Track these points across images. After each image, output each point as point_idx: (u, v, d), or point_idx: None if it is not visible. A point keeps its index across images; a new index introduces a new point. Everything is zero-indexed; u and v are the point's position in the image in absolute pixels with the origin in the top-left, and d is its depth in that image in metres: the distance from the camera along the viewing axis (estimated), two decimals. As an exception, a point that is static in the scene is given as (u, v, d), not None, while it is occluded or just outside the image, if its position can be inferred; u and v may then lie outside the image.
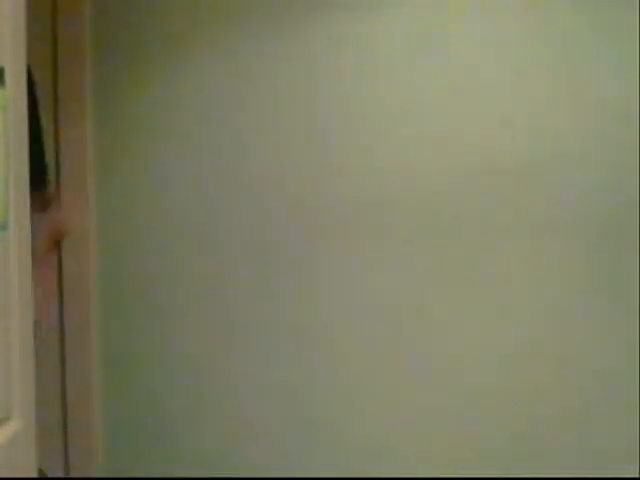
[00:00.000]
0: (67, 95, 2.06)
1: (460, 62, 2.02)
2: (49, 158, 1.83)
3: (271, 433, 2.08)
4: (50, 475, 1.97)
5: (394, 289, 2.04)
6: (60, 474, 2.05)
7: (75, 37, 2.07)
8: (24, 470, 1.14)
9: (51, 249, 1.65)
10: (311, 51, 2.06)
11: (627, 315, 1.98)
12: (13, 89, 1.09)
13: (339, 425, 2.06)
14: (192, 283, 2.09)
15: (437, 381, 2.03)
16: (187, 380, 2.09)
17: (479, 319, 2.02)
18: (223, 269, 2.08)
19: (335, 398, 2.06)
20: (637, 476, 1.92)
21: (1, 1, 1.06)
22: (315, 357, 2.06)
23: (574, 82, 2.01)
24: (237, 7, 2.07)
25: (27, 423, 1.13)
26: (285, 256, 2.06)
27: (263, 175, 2.07)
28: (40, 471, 1.64)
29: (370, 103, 2.05)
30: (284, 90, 2.06)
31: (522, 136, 2.02)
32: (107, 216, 2.10)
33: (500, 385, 2.02)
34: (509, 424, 2.01)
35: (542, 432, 2.00)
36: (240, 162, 2.08)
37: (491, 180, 2.01)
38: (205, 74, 2.08)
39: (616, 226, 1.99)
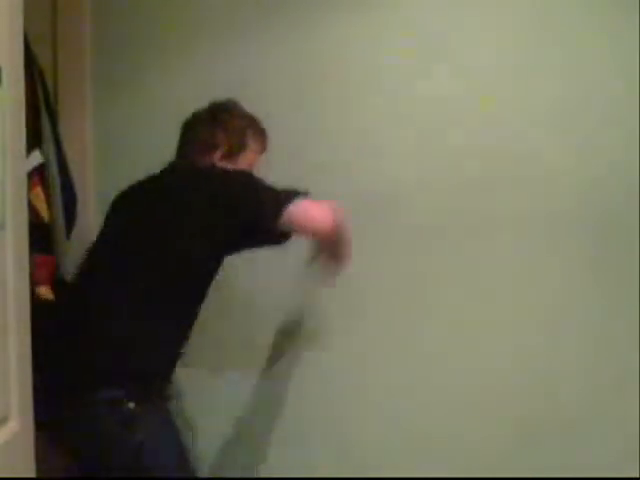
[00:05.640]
0: (67, 94, 2.06)
1: (462, 63, 2.02)
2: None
3: (269, 434, 2.08)
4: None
5: (393, 290, 2.04)
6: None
7: (75, 37, 2.07)
8: (23, 470, 1.14)
9: None
10: (312, 51, 2.06)
11: (628, 313, 1.98)
12: (11, 89, 1.09)
13: (336, 424, 2.06)
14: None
15: (436, 380, 2.03)
16: (189, 378, 2.08)
17: (479, 318, 2.01)
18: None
19: (333, 396, 2.05)
20: (637, 476, 1.92)
21: (-2, 1, 1.06)
22: (313, 354, 2.07)
23: (575, 82, 2.00)
24: (238, 6, 2.07)
25: (25, 424, 1.13)
26: (280, 256, 2.06)
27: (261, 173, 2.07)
28: None
29: (372, 103, 2.04)
30: (284, 89, 2.06)
31: (522, 135, 2.01)
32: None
33: (500, 384, 2.01)
34: (509, 424, 2.01)
35: (541, 432, 2.00)
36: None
37: (491, 179, 2.01)
38: (204, 72, 2.08)
39: (616, 224, 1.99)
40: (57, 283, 1.81)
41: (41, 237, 1.72)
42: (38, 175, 1.73)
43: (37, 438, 1.18)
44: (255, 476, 2.09)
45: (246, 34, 2.06)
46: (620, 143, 1.98)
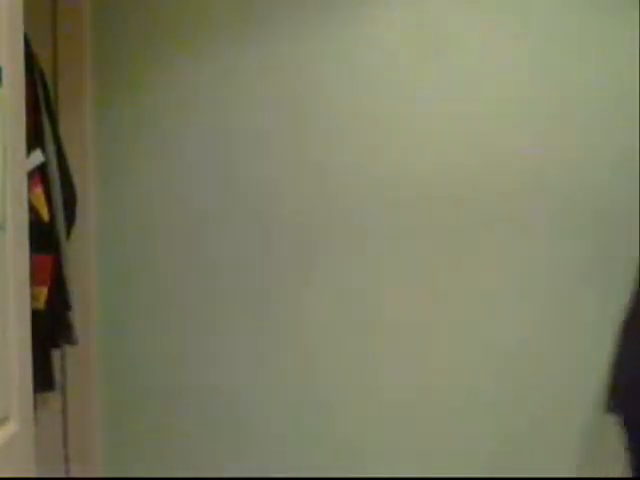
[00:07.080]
0: (67, 94, 2.05)
1: (460, 62, 2.02)
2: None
3: (271, 436, 2.09)
4: (50, 475, 1.97)
5: (393, 290, 2.04)
6: (60, 474, 2.05)
7: (75, 37, 2.07)
8: (23, 470, 1.14)
9: None
10: (309, 51, 2.06)
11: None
12: (11, 89, 1.09)
13: (334, 425, 2.06)
14: (190, 284, 2.09)
15: (435, 379, 2.03)
16: (190, 378, 2.08)
17: (478, 317, 2.01)
18: (219, 269, 2.08)
19: (332, 397, 2.06)
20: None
21: (-2, 1, 1.06)
22: (313, 351, 2.06)
23: (574, 81, 2.00)
24: (238, 8, 2.07)
25: (25, 424, 1.13)
26: (281, 255, 2.06)
27: (257, 175, 2.07)
28: None
29: (370, 103, 2.04)
30: (284, 89, 2.06)
31: (522, 134, 2.01)
32: (106, 218, 2.10)
33: (499, 384, 2.01)
34: (508, 424, 2.01)
35: (541, 432, 2.00)
36: (238, 163, 2.07)
37: (491, 179, 2.01)
38: (205, 73, 2.08)
39: (616, 224, 1.99)
40: (57, 283, 1.81)
41: (41, 237, 1.72)
42: (39, 175, 1.73)
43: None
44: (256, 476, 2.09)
45: (247, 34, 2.06)
46: (621, 141, 1.98)
